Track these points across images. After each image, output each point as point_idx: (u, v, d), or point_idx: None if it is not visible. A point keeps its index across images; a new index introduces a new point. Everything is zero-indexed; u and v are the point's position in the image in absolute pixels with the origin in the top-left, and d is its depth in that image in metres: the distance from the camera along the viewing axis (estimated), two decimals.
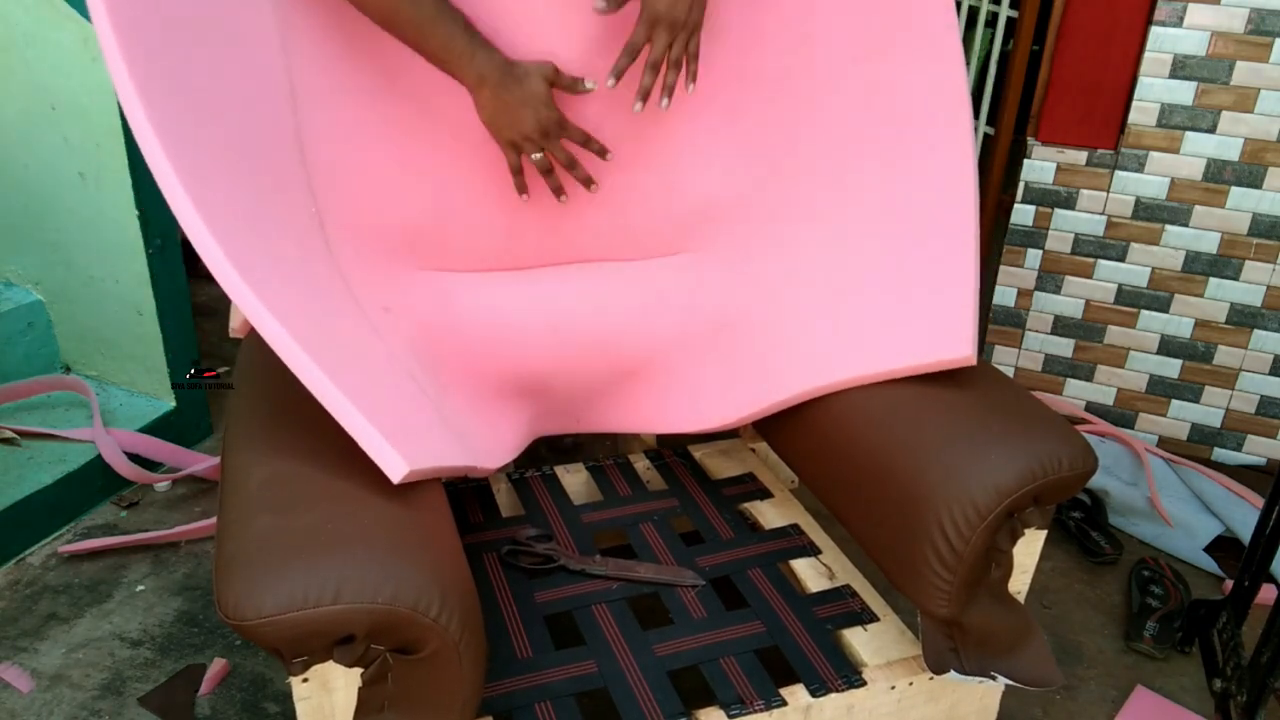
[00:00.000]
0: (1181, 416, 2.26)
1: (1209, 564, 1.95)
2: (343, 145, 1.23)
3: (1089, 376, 2.32)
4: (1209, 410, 2.23)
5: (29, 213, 2.04)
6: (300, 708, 0.93)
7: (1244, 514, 1.98)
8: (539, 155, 1.22)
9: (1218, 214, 2.08)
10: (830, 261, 1.34)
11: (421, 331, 1.25)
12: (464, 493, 1.45)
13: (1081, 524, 2.03)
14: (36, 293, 2.13)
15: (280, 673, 1.60)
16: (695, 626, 1.22)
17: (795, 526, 1.42)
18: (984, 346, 2.39)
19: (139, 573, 1.83)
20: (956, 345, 1.18)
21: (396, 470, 0.94)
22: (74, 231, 2.01)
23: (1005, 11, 2.16)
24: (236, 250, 0.96)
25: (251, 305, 0.94)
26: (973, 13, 2.29)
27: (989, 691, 1.27)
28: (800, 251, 1.38)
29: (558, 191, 1.27)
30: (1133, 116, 2.08)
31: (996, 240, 2.32)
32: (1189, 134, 2.05)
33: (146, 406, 2.13)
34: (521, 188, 1.27)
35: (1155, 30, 2.00)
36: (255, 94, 1.14)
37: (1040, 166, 2.18)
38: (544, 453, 1.79)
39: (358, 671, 0.92)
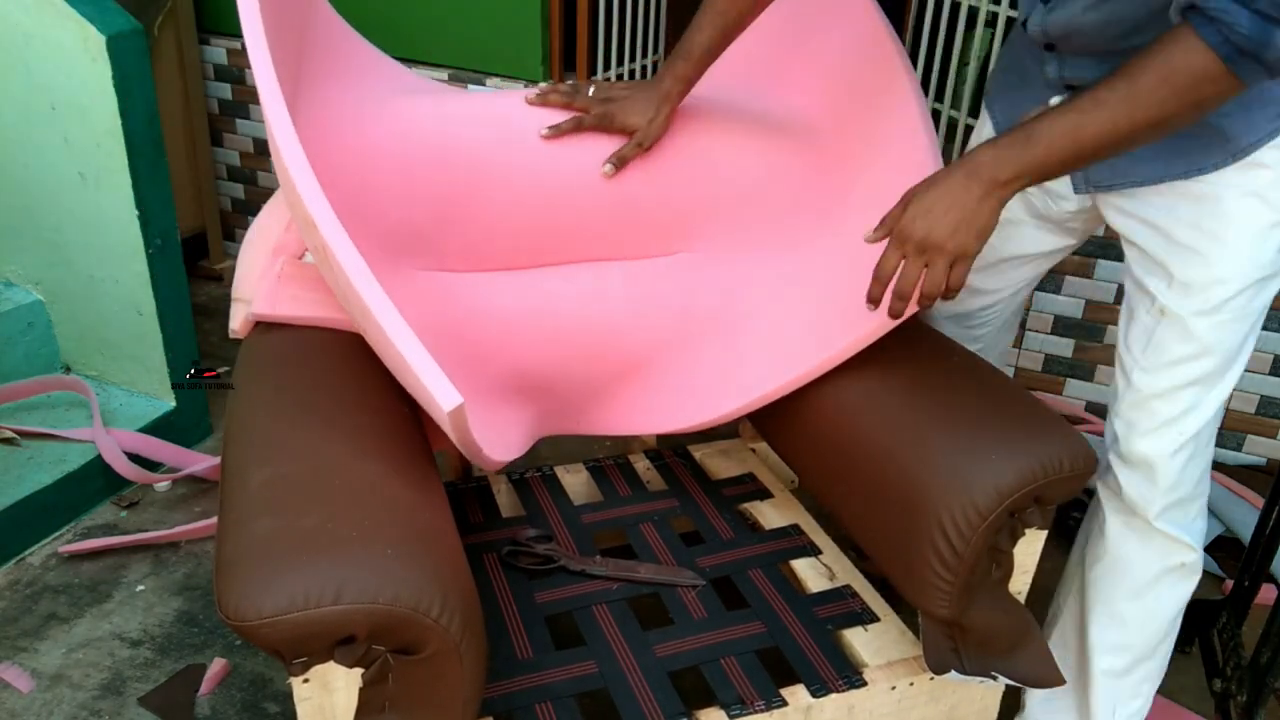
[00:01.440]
0: None
1: (1209, 564, 1.95)
2: (340, 143, 1.23)
3: (1089, 376, 2.31)
4: None
5: (29, 213, 2.04)
6: (301, 708, 0.93)
7: (1244, 514, 1.98)
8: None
9: None
10: (821, 251, 1.36)
11: (421, 331, 1.25)
12: (464, 493, 1.45)
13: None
14: (36, 293, 2.13)
15: (280, 672, 1.60)
16: (695, 627, 1.22)
17: (795, 527, 1.42)
18: None
19: (139, 573, 1.83)
20: None
21: (451, 401, 0.94)
22: (74, 231, 2.01)
23: (1005, 11, 2.16)
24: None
25: (332, 228, 0.96)
26: (973, 13, 2.29)
27: (989, 691, 1.27)
28: (793, 248, 1.38)
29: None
30: None
31: None
32: None
33: (146, 406, 2.13)
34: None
35: None
36: (286, 67, 1.15)
37: None
38: (544, 453, 1.79)
39: (358, 672, 0.92)
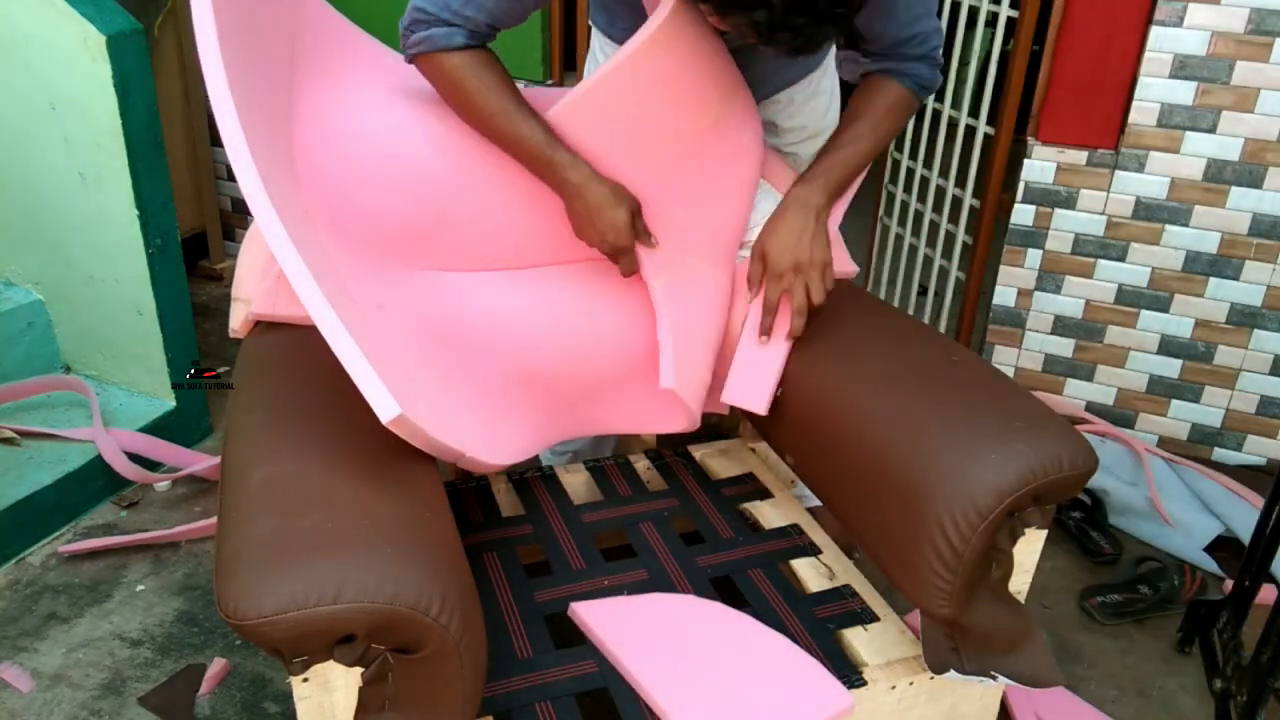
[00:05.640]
0: (1181, 416, 2.26)
1: (1209, 564, 1.95)
2: (339, 144, 1.23)
3: (1089, 376, 2.32)
4: (1209, 410, 2.22)
5: (29, 213, 2.04)
6: (301, 707, 0.93)
7: (1244, 514, 1.98)
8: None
9: (1218, 214, 2.08)
10: None
11: (420, 329, 1.25)
12: (464, 493, 1.45)
13: (1081, 524, 2.03)
14: (36, 293, 2.13)
15: (280, 672, 1.60)
16: None
17: (795, 526, 1.42)
18: (984, 346, 2.39)
19: (139, 573, 1.83)
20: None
21: (387, 411, 0.94)
22: (74, 231, 2.01)
23: (1005, 11, 2.16)
24: (271, 191, 0.99)
25: (275, 232, 0.96)
26: (973, 13, 2.29)
27: (989, 691, 1.27)
28: None
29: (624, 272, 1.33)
30: (1133, 116, 2.07)
31: (996, 240, 2.32)
32: (1189, 134, 2.05)
33: (146, 406, 2.13)
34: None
35: (1155, 30, 2.00)
36: (272, 73, 1.15)
37: (1040, 166, 2.18)
38: (544, 453, 1.79)
39: (358, 671, 0.92)
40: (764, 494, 1.49)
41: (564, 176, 1.23)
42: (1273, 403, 2.17)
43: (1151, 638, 1.78)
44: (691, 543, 1.37)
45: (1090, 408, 2.33)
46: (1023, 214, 2.24)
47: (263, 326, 1.26)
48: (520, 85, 1.79)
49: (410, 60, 1.21)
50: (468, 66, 1.20)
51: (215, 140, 2.77)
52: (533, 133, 1.21)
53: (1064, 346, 2.31)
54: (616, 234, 1.25)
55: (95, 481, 1.97)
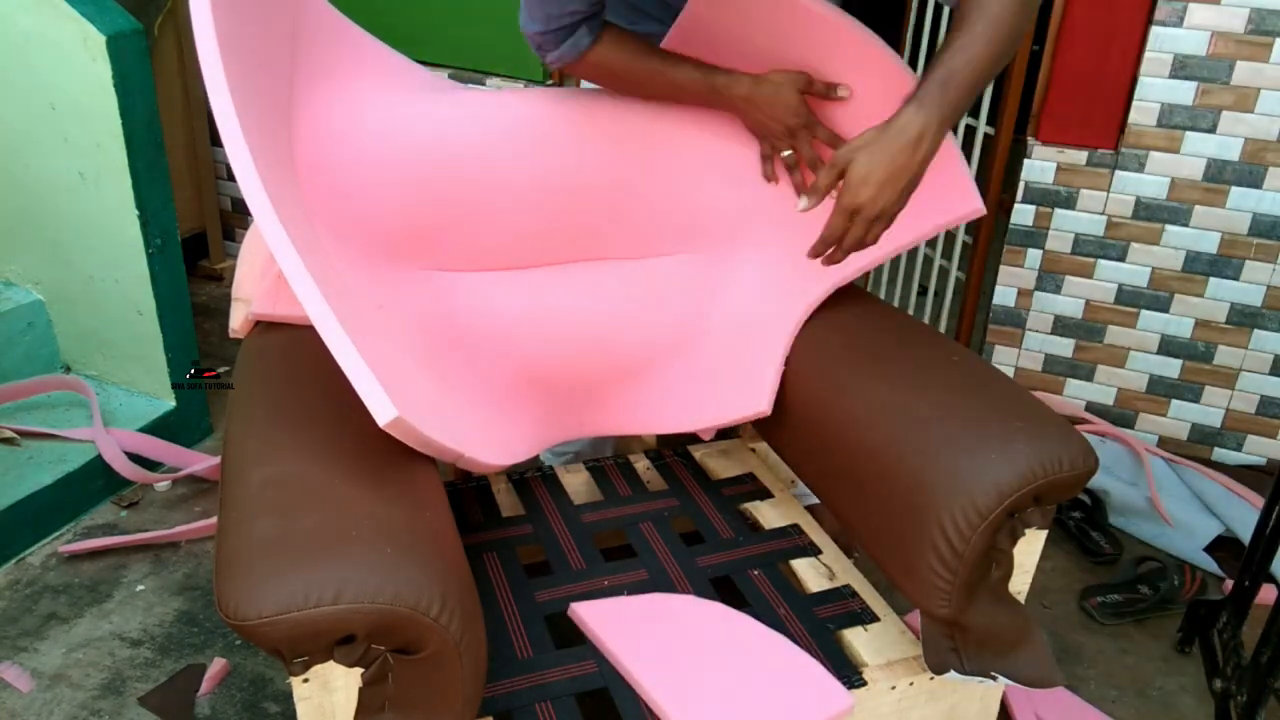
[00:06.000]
0: (1181, 416, 2.26)
1: (1209, 564, 1.95)
2: (339, 144, 1.23)
3: (1089, 376, 2.32)
4: (1209, 410, 2.23)
5: (29, 213, 2.04)
6: (301, 708, 0.93)
7: (1244, 514, 1.98)
8: (787, 153, 1.32)
9: (1218, 214, 2.08)
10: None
11: (420, 329, 1.25)
12: (464, 493, 1.45)
13: (1081, 524, 2.03)
14: (36, 293, 2.13)
15: (280, 672, 1.60)
16: None
17: (795, 526, 1.42)
18: (984, 346, 2.39)
19: (139, 573, 1.83)
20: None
21: (384, 414, 0.94)
22: (74, 231, 2.01)
23: None
24: (271, 191, 0.98)
25: (275, 232, 0.95)
26: None
27: (989, 691, 1.27)
28: (784, 248, 1.39)
29: (798, 188, 1.34)
30: (1133, 116, 2.07)
31: (996, 240, 2.32)
32: (1189, 134, 2.05)
33: (146, 406, 2.13)
34: (769, 175, 1.37)
35: (1155, 30, 2.00)
36: (273, 73, 1.15)
37: (1040, 166, 2.18)
38: (544, 453, 1.79)
39: (358, 672, 0.92)
40: (764, 494, 1.49)
41: (730, 96, 1.28)
42: (1273, 403, 2.17)
43: (1151, 638, 1.78)
44: (691, 543, 1.37)
45: (1090, 408, 2.33)
46: (1023, 214, 2.24)
47: (263, 326, 1.26)
48: (520, 85, 1.79)
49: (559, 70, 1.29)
50: (605, 54, 1.26)
51: (215, 140, 2.77)
52: (689, 75, 1.28)
53: (1064, 346, 2.31)
54: (790, 113, 1.27)
55: (95, 481, 1.97)
